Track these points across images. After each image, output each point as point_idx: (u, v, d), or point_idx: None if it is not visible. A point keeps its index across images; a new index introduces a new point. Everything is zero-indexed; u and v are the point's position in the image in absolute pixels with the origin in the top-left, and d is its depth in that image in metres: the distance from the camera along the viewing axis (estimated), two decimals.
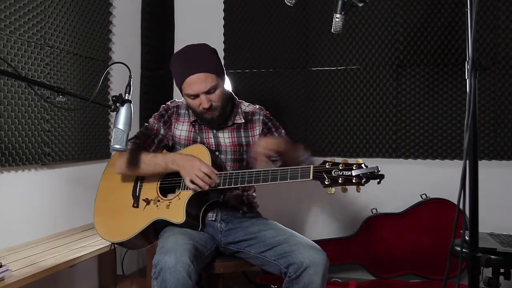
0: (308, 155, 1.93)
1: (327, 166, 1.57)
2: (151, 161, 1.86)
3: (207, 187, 1.72)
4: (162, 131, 1.97)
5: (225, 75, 1.98)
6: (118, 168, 1.93)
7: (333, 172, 1.55)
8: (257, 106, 2.04)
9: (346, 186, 1.55)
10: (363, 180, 1.51)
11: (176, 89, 3.14)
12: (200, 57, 1.85)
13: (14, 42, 2.12)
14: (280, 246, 1.76)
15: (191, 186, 1.73)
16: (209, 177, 1.72)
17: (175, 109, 2.00)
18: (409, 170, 2.89)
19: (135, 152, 1.89)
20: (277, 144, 1.72)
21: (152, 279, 1.64)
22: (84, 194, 2.56)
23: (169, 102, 2.04)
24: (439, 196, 2.76)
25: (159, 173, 1.88)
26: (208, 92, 1.81)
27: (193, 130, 1.95)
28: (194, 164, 1.74)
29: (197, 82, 1.79)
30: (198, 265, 1.67)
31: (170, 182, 1.91)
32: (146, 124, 2.02)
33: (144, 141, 1.95)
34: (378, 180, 1.51)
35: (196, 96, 1.82)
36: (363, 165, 1.53)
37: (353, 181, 1.52)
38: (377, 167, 1.51)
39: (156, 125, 1.98)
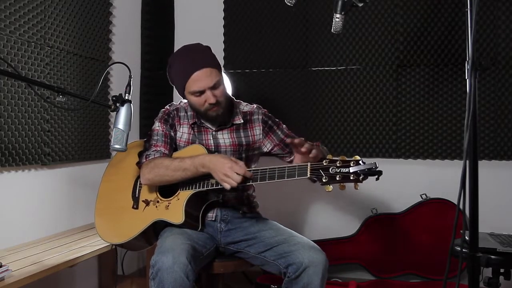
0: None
1: (324, 164, 1.56)
2: (179, 167, 1.77)
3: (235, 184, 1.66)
4: (172, 134, 1.96)
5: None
6: (145, 179, 1.85)
7: (330, 170, 1.54)
8: (255, 105, 2.05)
9: (344, 183, 1.54)
10: (361, 177, 1.50)
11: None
12: (200, 53, 1.87)
13: (14, 42, 2.12)
14: (279, 246, 1.77)
15: (226, 185, 1.68)
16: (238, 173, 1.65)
17: (175, 112, 1.99)
18: (409, 170, 2.89)
19: (160, 159, 1.84)
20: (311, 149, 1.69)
21: (149, 279, 1.64)
22: (84, 194, 2.56)
23: (167, 106, 2.03)
24: (439, 196, 2.76)
25: (189, 177, 1.79)
26: (213, 87, 1.82)
27: (192, 133, 1.95)
28: (224, 165, 1.68)
29: (203, 77, 1.80)
30: (196, 265, 1.66)
31: None
32: (156, 129, 1.95)
33: (165, 147, 1.91)
34: (376, 176, 1.49)
35: (201, 92, 1.82)
36: (360, 162, 1.51)
37: (351, 178, 1.51)
38: (375, 163, 1.50)
39: (165, 129, 1.95)
